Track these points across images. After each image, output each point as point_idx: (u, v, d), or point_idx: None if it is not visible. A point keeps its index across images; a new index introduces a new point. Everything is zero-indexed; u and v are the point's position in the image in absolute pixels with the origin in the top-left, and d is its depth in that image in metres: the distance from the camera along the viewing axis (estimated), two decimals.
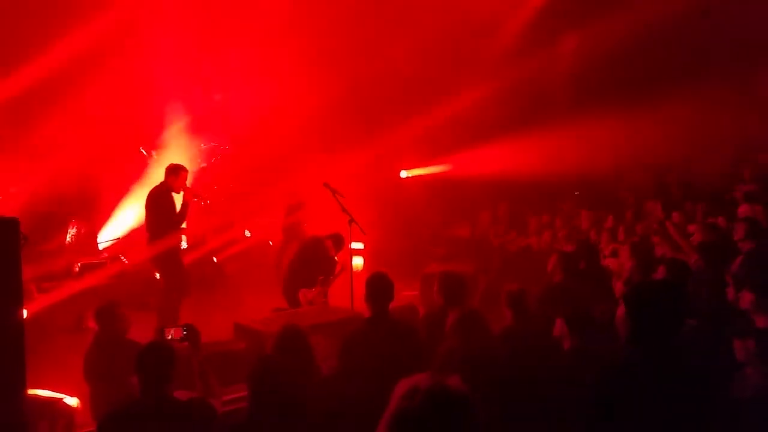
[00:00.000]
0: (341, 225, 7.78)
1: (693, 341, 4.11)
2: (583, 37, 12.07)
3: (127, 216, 10.81)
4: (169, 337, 4.21)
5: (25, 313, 4.43)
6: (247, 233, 11.17)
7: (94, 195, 10.72)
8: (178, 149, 11.75)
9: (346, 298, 7.27)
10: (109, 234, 10.60)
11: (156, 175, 11.06)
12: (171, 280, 7.56)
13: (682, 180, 10.57)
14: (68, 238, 9.96)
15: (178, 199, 7.63)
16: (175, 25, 10.27)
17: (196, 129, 11.90)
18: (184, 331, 4.24)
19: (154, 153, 11.54)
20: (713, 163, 10.43)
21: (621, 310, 3.02)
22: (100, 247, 10.36)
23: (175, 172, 7.57)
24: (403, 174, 13.39)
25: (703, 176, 10.22)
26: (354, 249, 8.53)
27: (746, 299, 4.59)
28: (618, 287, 6.13)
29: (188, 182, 7.85)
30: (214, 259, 10.70)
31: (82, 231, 10.22)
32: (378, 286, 4.39)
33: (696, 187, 10.28)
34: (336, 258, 8.02)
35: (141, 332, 5.44)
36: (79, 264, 9.12)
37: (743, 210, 7.83)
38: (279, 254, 10.55)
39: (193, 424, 3.35)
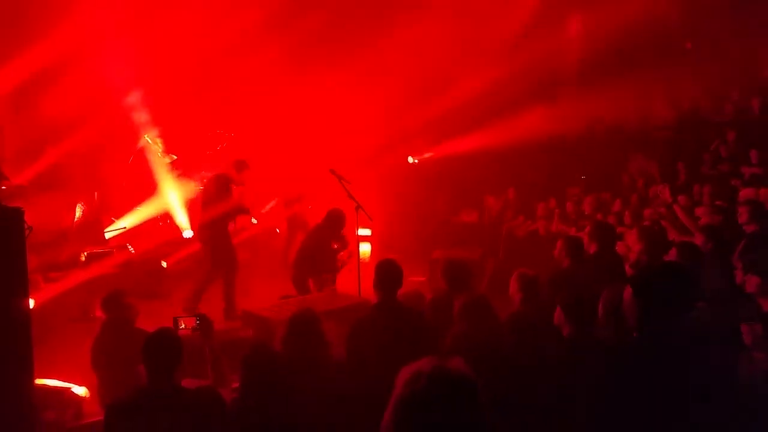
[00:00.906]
0: (348, 211, 7.78)
1: (701, 325, 4.09)
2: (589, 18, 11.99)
3: (135, 206, 10.87)
4: (182, 326, 4.22)
5: (31, 303, 4.44)
6: (254, 221, 11.18)
7: (98, 183, 10.75)
8: (183, 137, 11.78)
9: (354, 284, 7.28)
10: (116, 224, 10.63)
11: (161, 164, 11.17)
12: (216, 259, 7.95)
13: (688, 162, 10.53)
14: (77, 217, 10.02)
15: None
16: (180, 9, 10.24)
17: (202, 116, 11.90)
18: (197, 320, 4.25)
19: (159, 141, 11.54)
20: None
21: (627, 294, 3.00)
22: (107, 236, 10.39)
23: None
24: (411, 159, 13.34)
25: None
26: (361, 235, 8.52)
27: (752, 283, 4.57)
28: (627, 270, 6.09)
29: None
30: None
31: (90, 217, 10.25)
32: (387, 272, 4.37)
33: (703, 170, 10.26)
34: (343, 243, 8.01)
35: (149, 321, 5.45)
36: (85, 253, 9.14)
37: (745, 193, 7.80)
38: (285, 243, 10.60)
39: (201, 413, 3.35)
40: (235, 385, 4.51)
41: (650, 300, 2.83)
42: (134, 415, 3.32)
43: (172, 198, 10.79)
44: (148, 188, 11.06)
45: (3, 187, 7.89)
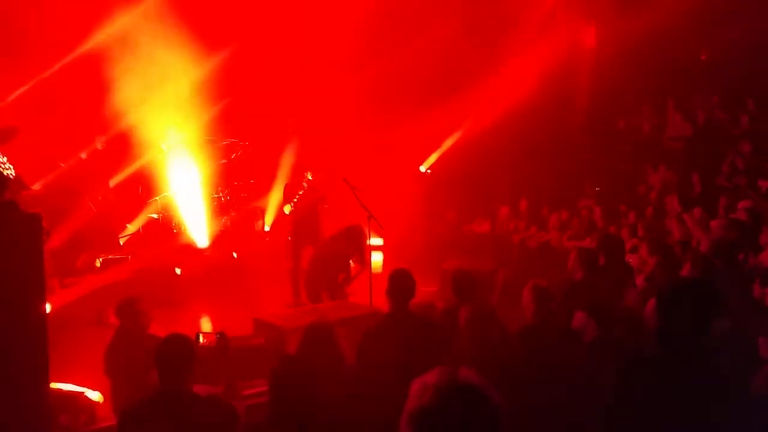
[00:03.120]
0: (360, 221, 7.81)
1: (720, 339, 4.06)
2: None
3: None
4: (202, 341, 4.21)
5: (48, 307, 4.49)
6: (266, 228, 11.23)
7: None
8: (197, 145, 11.85)
9: (365, 294, 7.29)
10: (128, 229, 10.71)
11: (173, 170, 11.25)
12: None
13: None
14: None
15: None
16: (193, 19, 10.35)
17: (217, 125, 11.98)
18: (218, 337, 4.25)
19: (174, 149, 11.62)
20: None
21: (651, 305, 2.99)
22: (121, 241, 10.47)
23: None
24: (423, 169, 13.34)
25: None
26: (373, 245, 8.53)
27: None
28: (639, 283, 6.06)
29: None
30: (234, 255, 10.77)
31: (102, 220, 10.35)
32: (400, 282, 4.37)
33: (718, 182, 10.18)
34: (352, 263, 8.05)
35: (162, 329, 5.47)
36: (100, 259, 9.22)
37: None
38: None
39: (212, 420, 3.36)
40: (246, 392, 4.53)
41: (674, 315, 2.83)
42: (146, 419, 3.34)
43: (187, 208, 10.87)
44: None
45: (22, 194, 8.00)
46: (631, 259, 7.12)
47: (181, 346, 3.48)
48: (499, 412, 1.73)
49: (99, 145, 10.70)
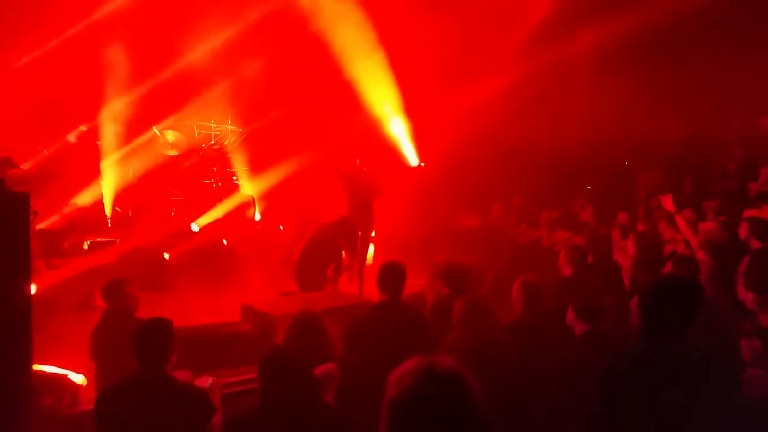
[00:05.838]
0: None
1: (702, 340, 4.08)
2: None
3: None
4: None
5: (33, 288, 4.44)
6: (257, 217, 11.18)
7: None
8: (190, 130, 11.82)
9: (356, 284, 7.29)
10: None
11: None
12: None
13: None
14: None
15: None
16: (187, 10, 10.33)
17: (211, 110, 11.94)
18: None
19: (167, 133, 11.58)
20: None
21: (634, 302, 3.00)
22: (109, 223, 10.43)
23: None
24: (416, 162, 13.32)
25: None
26: None
27: (749, 298, 4.56)
28: (626, 281, 6.09)
29: None
30: (224, 242, 10.74)
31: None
32: (390, 273, 4.39)
33: (708, 185, 10.22)
34: (344, 254, 8.03)
35: (149, 313, 5.43)
36: (88, 241, 9.16)
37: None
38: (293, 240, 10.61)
39: (186, 406, 3.35)
40: (232, 379, 4.51)
41: (656, 314, 2.84)
42: (122, 400, 3.35)
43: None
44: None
45: (10, 173, 7.91)
46: (620, 258, 7.14)
47: (160, 330, 3.48)
48: (477, 398, 1.74)
49: (84, 128, 10.63)
